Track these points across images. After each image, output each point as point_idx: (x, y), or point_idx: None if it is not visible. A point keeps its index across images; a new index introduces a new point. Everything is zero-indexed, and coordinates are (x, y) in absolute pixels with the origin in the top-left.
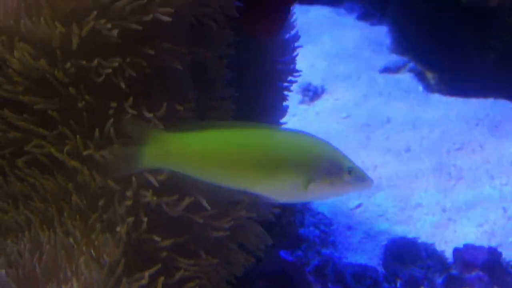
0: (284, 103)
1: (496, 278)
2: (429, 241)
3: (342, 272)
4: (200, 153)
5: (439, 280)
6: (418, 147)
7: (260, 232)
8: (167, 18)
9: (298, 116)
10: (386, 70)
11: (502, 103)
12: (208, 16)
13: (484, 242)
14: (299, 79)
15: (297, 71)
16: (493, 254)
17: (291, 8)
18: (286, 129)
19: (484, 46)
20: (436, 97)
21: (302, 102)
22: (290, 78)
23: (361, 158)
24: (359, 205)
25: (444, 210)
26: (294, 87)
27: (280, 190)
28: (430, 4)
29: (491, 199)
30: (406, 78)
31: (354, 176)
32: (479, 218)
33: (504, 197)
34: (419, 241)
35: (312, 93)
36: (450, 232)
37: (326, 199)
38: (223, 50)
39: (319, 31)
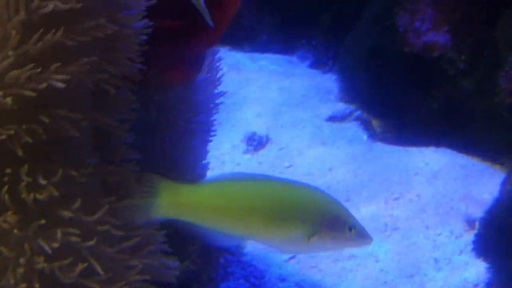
0: (204, 161)
1: None
2: None
3: None
4: (212, 203)
5: None
6: (357, 197)
7: None
8: (61, 85)
9: (242, 165)
10: (333, 118)
11: (443, 151)
12: (106, 81)
13: None
14: (244, 129)
15: (213, 130)
16: None
17: (206, 53)
18: (294, 182)
19: (427, 96)
20: (380, 146)
21: (246, 151)
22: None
23: None
24: (292, 257)
25: (377, 261)
26: (239, 136)
27: (285, 241)
28: (375, 53)
29: (423, 250)
30: (352, 126)
31: (356, 233)
32: (410, 268)
33: (437, 247)
34: None
35: (256, 143)
36: (380, 283)
37: (326, 252)
38: (125, 115)
39: (268, 80)
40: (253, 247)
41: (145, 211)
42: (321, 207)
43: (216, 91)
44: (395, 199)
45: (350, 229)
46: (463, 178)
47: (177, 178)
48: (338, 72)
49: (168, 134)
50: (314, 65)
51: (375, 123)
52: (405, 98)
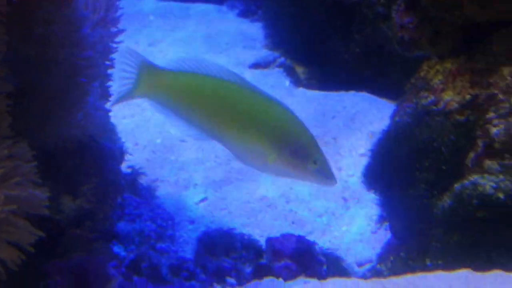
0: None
1: (304, 266)
2: (266, 233)
3: (158, 265)
4: (189, 90)
5: (248, 269)
6: None
7: (25, 227)
8: None
9: (149, 109)
10: (256, 65)
11: (362, 95)
12: None
13: (318, 232)
14: None
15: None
16: (302, 242)
17: None
18: (275, 99)
19: (348, 41)
20: (301, 91)
21: None
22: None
23: (216, 152)
24: (203, 199)
25: (287, 202)
26: None
27: (247, 153)
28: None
29: (334, 191)
30: (275, 73)
31: (318, 168)
32: (319, 208)
33: (348, 188)
34: (238, 232)
35: None
36: (288, 223)
37: (285, 178)
38: None
39: (194, 29)
40: (165, 191)
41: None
42: (290, 131)
43: (115, 30)
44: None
45: (314, 162)
46: (379, 121)
47: (64, 116)
48: (263, 19)
49: (51, 69)
50: (243, 13)
51: (299, 69)
52: (328, 44)
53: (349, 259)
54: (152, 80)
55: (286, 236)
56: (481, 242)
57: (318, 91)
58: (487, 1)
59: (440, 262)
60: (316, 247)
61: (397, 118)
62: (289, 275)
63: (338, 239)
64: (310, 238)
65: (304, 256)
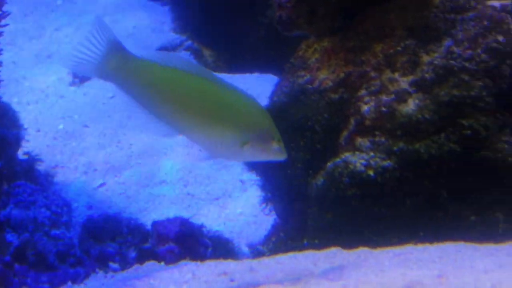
0: None
1: (188, 249)
2: (163, 216)
3: (44, 252)
4: (155, 79)
5: (132, 254)
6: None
7: None
8: None
9: (66, 97)
10: (163, 49)
11: (266, 77)
12: None
13: (214, 214)
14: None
15: None
16: (185, 225)
17: None
18: (237, 88)
19: (254, 23)
20: None
21: (72, 83)
22: None
23: (118, 137)
24: (102, 184)
25: (185, 185)
26: (66, 69)
27: (219, 143)
28: None
29: (233, 173)
30: (181, 56)
31: (278, 146)
32: (217, 191)
33: (245, 169)
34: (126, 216)
35: (82, 75)
36: (184, 206)
37: (255, 160)
38: None
39: (102, 13)
40: (64, 176)
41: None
42: (255, 117)
43: None
44: None
45: (278, 140)
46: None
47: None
48: (171, 2)
49: None
50: None
51: (206, 52)
52: (234, 26)
53: (241, 241)
54: (121, 64)
55: (170, 220)
56: (353, 220)
57: (225, 73)
58: None
59: (316, 241)
60: (204, 229)
61: (275, 98)
62: (173, 259)
63: (233, 221)
64: (205, 220)
65: (188, 239)
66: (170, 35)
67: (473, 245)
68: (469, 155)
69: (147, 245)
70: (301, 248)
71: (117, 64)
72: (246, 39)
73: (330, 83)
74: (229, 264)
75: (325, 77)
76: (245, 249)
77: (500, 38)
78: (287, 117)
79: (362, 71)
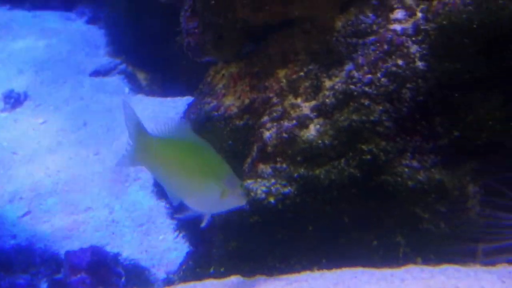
0: None
1: (100, 278)
2: (86, 244)
3: None
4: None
5: (44, 286)
6: (106, 150)
7: None
8: None
9: None
10: (96, 73)
11: None
12: None
13: (136, 241)
14: (4, 86)
15: None
16: (97, 255)
17: None
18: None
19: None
20: (139, 98)
21: (3, 110)
22: None
23: (46, 163)
24: (27, 213)
25: (111, 212)
26: None
27: (203, 197)
28: (135, 5)
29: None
30: (115, 80)
31: (242, 193)
32: (142, 218)
33: None
34: (40, 246)
35: (14, 100)
36: (108, 233)
37: (232, 207)
38: None
39: (38, 37)
40: None
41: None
42: (224, 166)
43: None
44: None
45: (241, 186)
46: None
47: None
48: (106, 26)
49: None
50: (91, 20)
51: (140, 75)
52: (167, 49)
53: (161, 268)
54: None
55: (83, 249)
56: (256, 247)
57: (158, 97)
58: (258, 4)
59: (222, 269)
60: (120, 258)
61: (192, 115)
62: None
63: (154, 248)
64: (128, 247)
65: (100, 269)
66: (104, 59)
67: (370, 270)
68: (370, 180)
69: (59, 276)
70: (208, 276)
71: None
72: (179, 62)
73: (235, 110)
74: None
75: (230, 103)
76: (164, 276)
77: (400, 62)
78: None
79: (266, 97)
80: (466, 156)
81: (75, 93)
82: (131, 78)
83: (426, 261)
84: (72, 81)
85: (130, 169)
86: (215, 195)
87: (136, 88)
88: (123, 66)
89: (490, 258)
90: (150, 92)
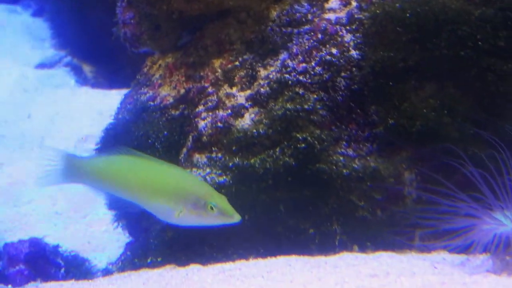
0: None
1: (39, 270)
2: (24, 236)
3: None
4: (104, 174)
5: None
6: (51, 142)
7: None
8: None
9: None
10: (42, 66)
11: None
12: None
13: (80, 233)
14: None
15: None
16: (36, 246)
17: None
18: (167, 164)
19: None
20: (84, 90)
21: None
22: None
23: None
24: None
25: (54, 204)
26: None
27: (161, 213)
28: None
29: None
30: (60, 72)
31: (217, 211)
32: (86, 209)
33: None
34: None
35: None
36: (51, 225)
37: (196, 225)
38: None
39: None
40: None
41: (51, 178)
42: (185, 189)
43: None
44: (84, 140)
45: (211, 208)
46: None
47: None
48: (51, 19)
49: None
50: (37, 13)
51: (86, 68)
52: (113, 41)
53: (103, 260)
54: (73, 169)
55: (21, 241)
56: (193, 237)
57: (104, 89)
58: None
59: (159, 259)
60: (60, 250)
61: (120, 115)
62: (22, 281)
63: (97, 239)
64: (71, 239)
65: (38, 260)
66: (49, 52)
67: (305, 258)
68: (305, 169)
69: None
70: (146, 266)
71: (72, 171)
72: (125, 54)
73: (171, 100)
74: (62, 286)
75: (166, 93)
76: (105, 266)
77: (334, 50)
78: (129, 135)
79: (201, 87)
80: (402, 144)
81: (19, 86)
82: (76, 71)
83: (363, 248)
84: (17, 73)
85: None
86: (168, 213)
87: (82, 80)
88: (68, 59)
89: (427, 244)
90: (96, 84)
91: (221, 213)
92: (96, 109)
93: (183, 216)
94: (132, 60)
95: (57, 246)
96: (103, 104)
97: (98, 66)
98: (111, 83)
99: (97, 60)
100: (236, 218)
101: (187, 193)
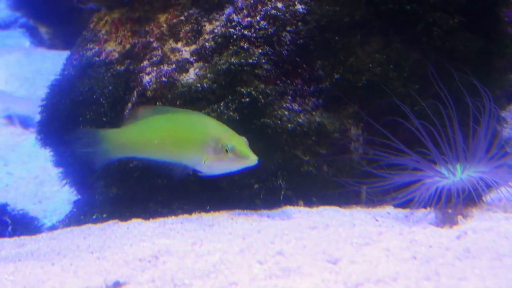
0: None
1: None
2: None
3: None
4: (137, 141)
5: None
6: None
7: None
8: None
9: None
10: None
11: None
12: None
13: (31, 194)
14: None
15: None
16: None
17: None
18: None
19: None
20: (39, 52)
21: None
22: None
23: None
24: None
25: (6, 164)
26: None
27: (193, 164)
28: None
29: None
30: (16, 34)
31: (235, 154)
32: (37, 170)
33: None
34: None
35: None
36: (1, 187)
37: (222, 172)
38: None
39: None
40: None
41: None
42: (206, 133)
43: None
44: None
45: (226, 151)
46: None
47: None
48: None
49: None
50: None
51: (42, 29)
52: (69, 2)
53: (54, 218)
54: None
55: None
56: (137, 193)
57: (60, 50)
58: None
59: (105, 215)
60: (8, 208)
61: (65, 72)
62: None
63: (48, 199)
64: (22, 199)
65: None
66: (4, 13)
67: (248, 212)
68: (250, 123)
69: None
70: (91, 222)
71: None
72: (82, 15)
73: (116, 55)
74: (3, 242)
75: (112, 49)
76: (53, 224)
77: (280, 4)
78: (73, 90)
79: (146, 41)
80: (348, 100)
81: None
82: (32, 32)
83: (309, 204)
84: None
85: (28, 121)
86: (199, 163)
87: (37, 42)
88: (24, 20)
89: (373, 199)
90: (52, 46)
91: (237, 155)
92: (51, 70)
93: (209, 163)
94: (87, 21)
95: (5, 205)
96: (58, 65)
97: (54, 27)
98: (67, 44)
99: (53, 21)
100: (252, 159)
101: (207, 137)
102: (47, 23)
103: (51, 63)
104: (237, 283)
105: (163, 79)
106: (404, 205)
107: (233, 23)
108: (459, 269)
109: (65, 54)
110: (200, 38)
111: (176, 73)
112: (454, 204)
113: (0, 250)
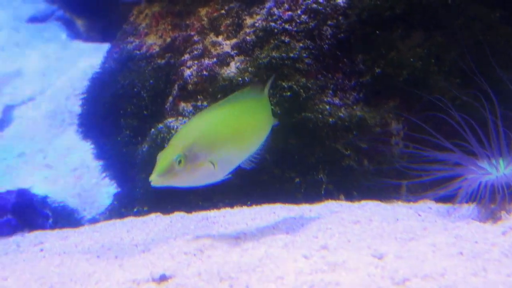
0: None
1: (26, 220)
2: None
3: None
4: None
5: None
6: (41, 96)
7: None
8: None
9: None
10: (33, 19)
11: None
12: None
13: (69, 186)
14: None
15: None
16: (23, 196)
17: None
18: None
19: None
20: (76, 44)
21: None
22: None
23: None
24: None
25: (45, 157)
26: None
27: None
28: None
29: None
30: (52, 26)
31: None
32: (75, 161)
33: None
34: None
35: None
36: (41, 178)
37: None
38: None
39: None
40: None
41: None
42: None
43: None
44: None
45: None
46: None
47: None
48: None
49: None
50: None
51: (79, 22)
52: None
53: (93, 211)
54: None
55: (9, 192)
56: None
57: (96, 43)
58: None
59: (146, 208)
60: (48, 200)
61: (106, 65)
62: (10, 231)
63: (87, 191)
64: (61, 191)
65: (26, 210)
66: (41, 5)
67: (289, 206)
68: (291, 117)
69: None
70: (132, 215)
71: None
72: (118, 8)
73: (157, 48)
74: (46, 234)
75: (152, 42)
76: (93, 217)
77: None
78: (115, 84)
79: (187, 35)
80: (389, 94)
81: (11, 39)
82: (68, 25)
83: (350, 198)
84: (8, 28)
85: (65, 114)
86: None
87: (74, 34)
88: (60, 12)
89: (415, 194)
90: (88, 38)
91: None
92: (87, 62)
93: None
94: (125, 14)
95: (45, 197)
96: (95, 58)
97: (91, 19)
98: (104, 36)
99: (90, 13)
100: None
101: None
102: (84, 15)
103: (88, 56)
104: (283, 277)
105: (204, 72)
106: (445, 199)
107: (274, 17)
108: (506, 265)
109: (101, 46)
110: (241, 32)
111: (217, 66)
112: (499, 199)
113: (43, 242)
